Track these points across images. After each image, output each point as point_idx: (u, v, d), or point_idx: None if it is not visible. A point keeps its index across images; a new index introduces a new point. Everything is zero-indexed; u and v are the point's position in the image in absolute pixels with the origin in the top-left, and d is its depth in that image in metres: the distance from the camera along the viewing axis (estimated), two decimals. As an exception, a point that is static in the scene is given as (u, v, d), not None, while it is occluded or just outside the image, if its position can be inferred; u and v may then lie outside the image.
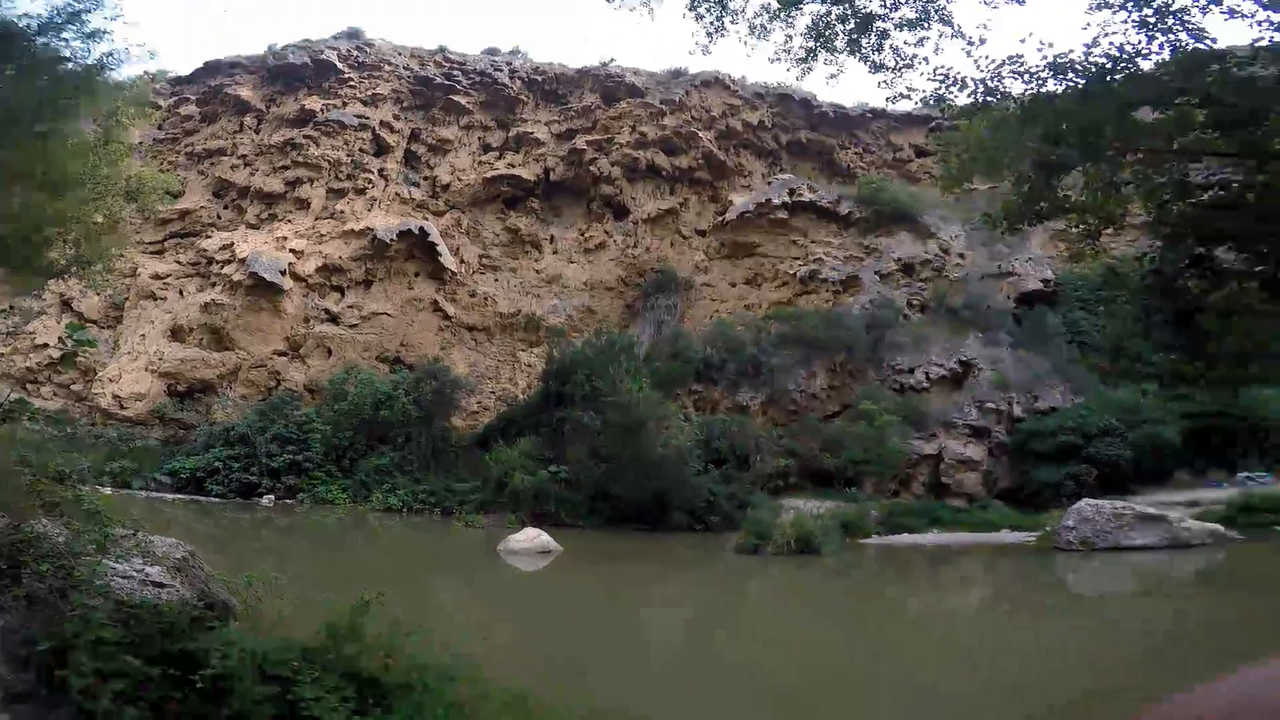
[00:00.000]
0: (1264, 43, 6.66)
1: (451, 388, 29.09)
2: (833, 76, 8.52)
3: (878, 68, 7.66)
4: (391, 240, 32.89)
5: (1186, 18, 6.43)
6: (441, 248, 33.79)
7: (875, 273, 30.99)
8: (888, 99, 8.54)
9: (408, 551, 19.02)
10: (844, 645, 9.17)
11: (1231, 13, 6.32)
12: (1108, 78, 6.83)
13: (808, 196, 32.55)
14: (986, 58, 7.17)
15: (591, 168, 35.39)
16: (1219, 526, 15.99)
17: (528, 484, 22.63)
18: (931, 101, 7.70)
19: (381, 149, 35.35)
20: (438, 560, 17.76)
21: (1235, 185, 7.22)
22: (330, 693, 3.98)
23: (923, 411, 26.69)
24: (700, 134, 35.28)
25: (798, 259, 32.29)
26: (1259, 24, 6.29)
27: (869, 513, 22.13)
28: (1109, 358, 25.37)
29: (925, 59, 7.49)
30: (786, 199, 32.31)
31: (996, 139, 7.78)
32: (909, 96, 7.90)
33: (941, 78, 7.26)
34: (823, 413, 28.14)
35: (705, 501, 22.62)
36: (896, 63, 7.53)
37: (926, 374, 28.07)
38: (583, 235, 36.50)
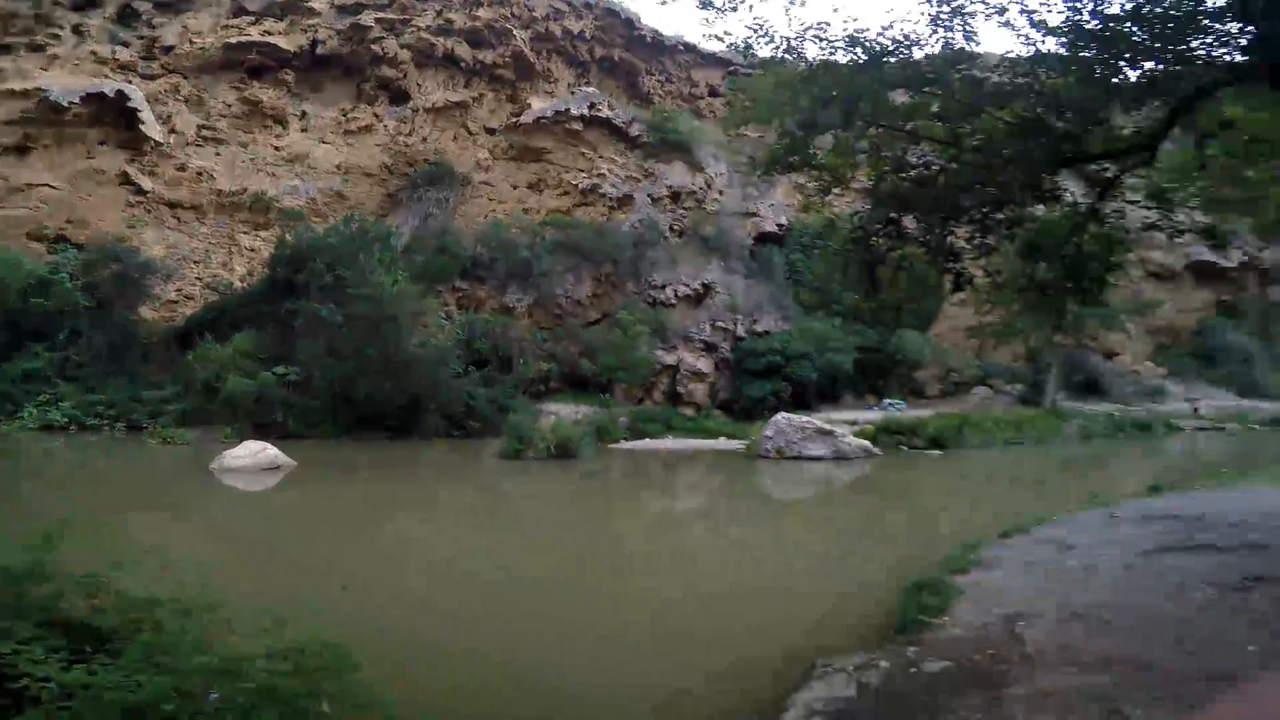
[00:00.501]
0: (1011, 54, 8.26)
1: (140, 271, 23.45)
2: (664, 2, 8.55)
3: (707, 4, 7.79)
4: (71, 104, 25.09)
5: (969, 20, 7.58)
6: (146, 114, 26.58)
7: (648, 195, 32.75)
8: (704, 35, 8.93)
9: (89, 478, 15.34)
10: (595, 549, 9.91)
11: (1008, 24, 7.54)
12: (885, 58, 7.84)
13: (605, 113, 32.60)
14: (800, 20, 7.83)
15: (375, 46, 30.41)
16: (868, 443, 19.74)
17: (246, 389, 19.37)
18: (740, 47, 8.16)
19: (88, 1, 26.95)
20: (132, 485, 14.49)
21: (933, 168, 8.69)
22: (28, 643, 3.29)
23: (668, 325, 29.44)
24: (516, 32, 32.40)
25: (583, 171, 32.38)
26: (1020, 38, 7.66)
27: (619, 418, 24.00)
28: (812, 293, 30.59)
29: (751, 5, 7.83)
30: (585, 111, 31.98)
31: (777, 94, 8.46)
32: (722, 39, 8.30)
33: (755, 28, 7.74)
34: (585, 319, 29.40)
35: (465, 405, 21.75)
36: (724, 3, 7.74)
37: (675, 291, 30.84)
38: (345, 116, 31.56)
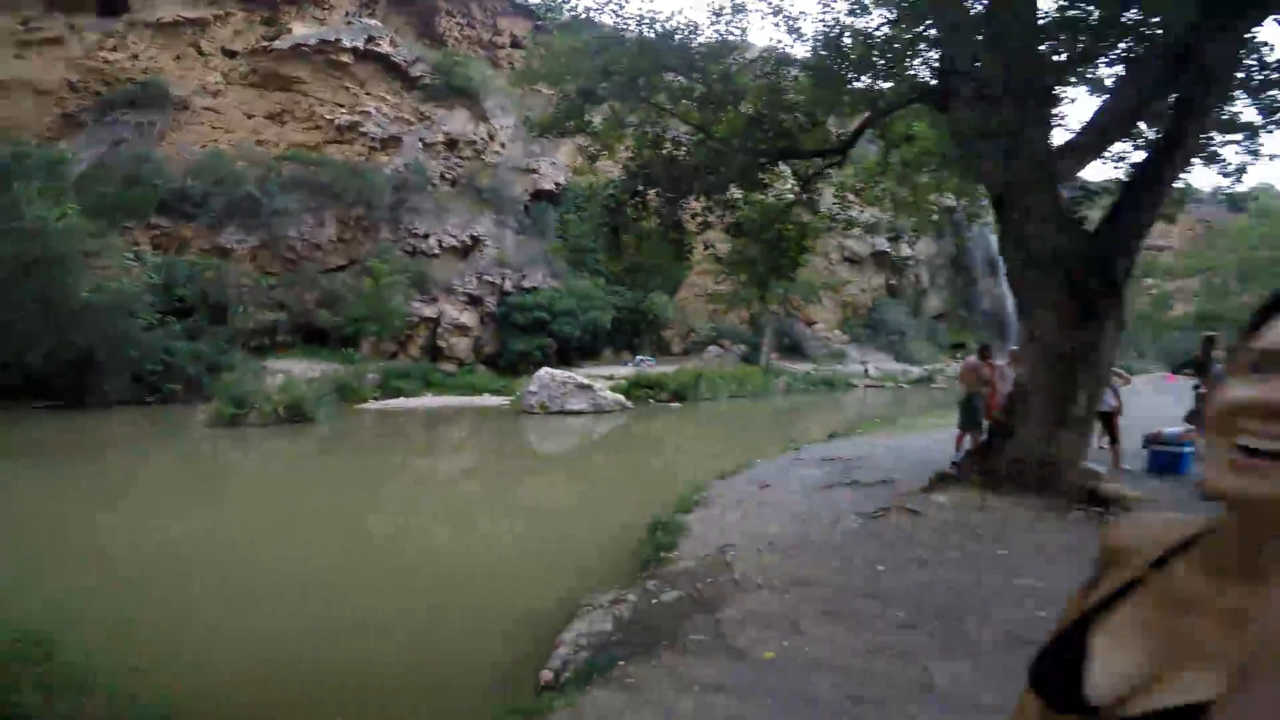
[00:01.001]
0: (780, 48, 9.29)
1: None
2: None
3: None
4: None
5: (744, 16, 8.54)
6: None
7: (420, 139, 30.18)
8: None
9: None
10: (345, 520, 9.14)
11: (778, 24, 8.50)
12: (669, 40, 8.38)
13: (385, 49, 28.80)
14: None
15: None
16: (622, 397, 21.16)
17: None
18: (547, 6, 8.34)
19: None
20: None
21: (682, 148, 9.56)
22: None
23: (429, 276, 27.96)
24: (285, -55, 26.61)
25: (342, 107, 28.43)
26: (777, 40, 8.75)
27: (366, 375, 22.17)
28: (571, 252, 31.59)
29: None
30: (359, 44, 27.90)
31: (569, 58, 8.69)
32: (534, -7, 8.36)
33: (562, -11, 7.86)
34: (325, 265, 26.37)
35: (160, 363, 18.29)
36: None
37: (440, 241, 29.30)
38: (24, 26, 23.49)
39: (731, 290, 31.54)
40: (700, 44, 8.84)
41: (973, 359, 9.37)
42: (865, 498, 7.41)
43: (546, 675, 4.00)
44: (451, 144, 31.63)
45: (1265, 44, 7.66)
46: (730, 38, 9.06)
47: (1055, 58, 6.92)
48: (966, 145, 7.18)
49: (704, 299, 37.31)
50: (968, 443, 8.87)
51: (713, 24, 8.73)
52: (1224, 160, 8.81)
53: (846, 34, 7.87)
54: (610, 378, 23.90)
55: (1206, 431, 0.63)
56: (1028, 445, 6.49)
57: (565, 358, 29.08)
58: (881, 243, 44.41)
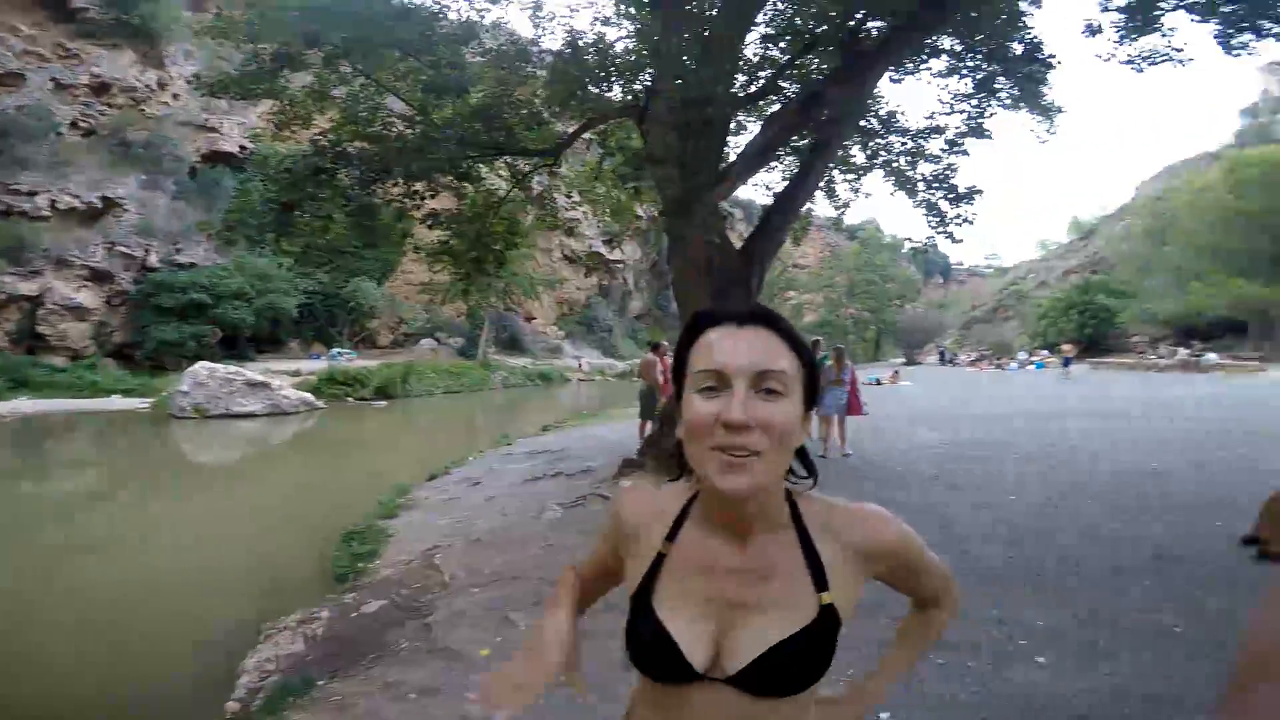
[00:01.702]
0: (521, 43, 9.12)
1: None
2: None
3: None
4: None
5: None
6: None
7: (54, 79, 23.09)
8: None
9: None
10: None
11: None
12: (408, 16, 7.90)
13: None
14: None
15: None
16: (310, 396, 18.45)
17: None
18: None
19: None
20: None
21: (393, 130, 8.96)
22: None
23: (29, 243, 21.15)
24: None
25: None
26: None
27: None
28: (223, 224, 26.99)
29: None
30: None
31: (271, 18, 7.74)
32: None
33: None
34: None
35: None
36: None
37: (53, 202, 22.37)
38: None
39: (450, 281, 30.41)
40: (442, 26, 8.26)
41: (650, 355, 10.08)
42: (568, 488, 7.53)
43: (232, 706, 3.59)
44: (101, 88, 24.66)
45: (880, 97, 9.90)
46: (476, 21, 8.68)
47: (736, 91, 8.00)
48: (652, 160, 7.83)
49: (418, 289, 35.26)
50: (649, 431, 9.57)
51: (458, 7, 8.31)
52: (837, 195, 11.18)
53: (589, 42, 8.11)
54: (296, 373, 21.00)
55: (688, 437, 0.80)
56: (690, 432, 7.40)
57: (236, 350, 24.63)
58: (598, 244, 47.16)
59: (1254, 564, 4.19)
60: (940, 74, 9.11)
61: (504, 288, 31.79)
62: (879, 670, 0.99)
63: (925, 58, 8.89)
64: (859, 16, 7.31)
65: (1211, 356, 27.02)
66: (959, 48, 8.76)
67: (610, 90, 8.66)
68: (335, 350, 29.19)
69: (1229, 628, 3.26)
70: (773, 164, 10.14)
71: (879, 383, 25.07)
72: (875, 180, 10.80)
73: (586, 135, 10.21)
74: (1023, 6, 7.95)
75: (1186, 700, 2.66)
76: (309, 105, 8.93)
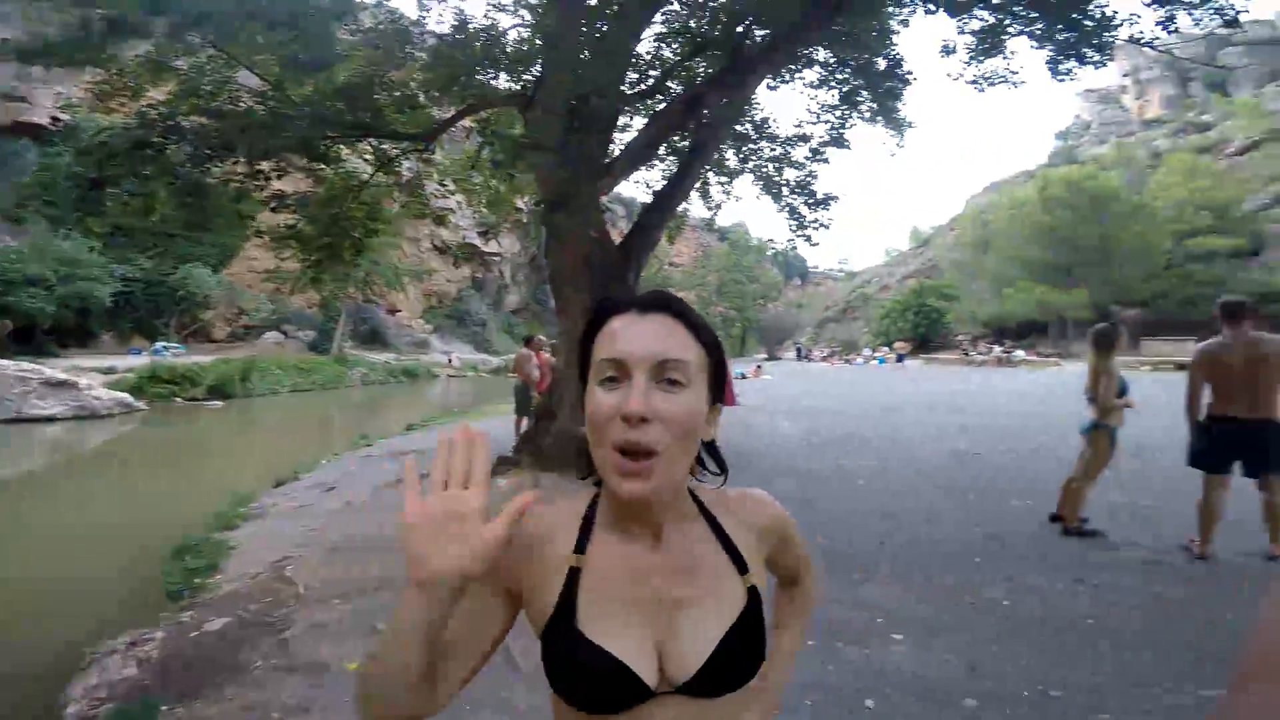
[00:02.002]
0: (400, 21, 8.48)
1: None
2: None
3: None
4: None
5: None
6: None
7: None
8: None
9: None
10: None
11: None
12: None
13: None
14: None
15: None
16: (128, 396, 16.10)
17: None
18: None
19: None
20: None
21: (242, 106, 8.18)
22: None
23: None
24: None
25: None
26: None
27: None
28: (14, 202, 23.20)
29: None
30: None
31: None
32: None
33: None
34: None
35: None
36: None
37: None
38: None
39: (300, 269, 27.93)
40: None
41: (525, 350, 9.87)
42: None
43: (60, 742, 3.13)
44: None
45: (757, 103, 10.33)
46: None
47: (626, 88, 8.01)
48: (534, 147, 7.63)
49: (262, 276, 31.99)
50: (524, 428, 9.39)
51: None
52: (711, 196, 11.56)
53: (480, 27, 7.80)
54: (110, 371, 18.28)
55: (590, 433, 0.75)
56: (565, 427, 7.29)
57: (32, 344, 21.06)
58: (472, 235, 45.43)
59: (1060, 539, 4.83)
60: (812, 85, 9.72)
61: (364, 277, 29.72)
62: (776, 652, 0.97)
63: (800, 68, 9.41)
64: (747, 23, 7.56)
65: (1019, 353, 31.26)
66: (832, 60, 9.36)
67: (497, 78, 8.35)
68: (160, 344, 25.72)
69: (1046, 602, 3.72)
70: (654, 162, 10.28)
71: (744, 377, 26.41)
72: (745, 184, 11.33)
73: (466, 122, 9.77)
74: (892, 25, 8.65)
75: (1023, 673, 2.96)
76: (143, 76, 7.94)
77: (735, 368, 30.62)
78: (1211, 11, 6.69)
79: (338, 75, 8.27)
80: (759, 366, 29.85)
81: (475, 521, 0.67)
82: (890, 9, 8.05)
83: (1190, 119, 55.45)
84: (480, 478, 0.69)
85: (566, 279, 7.41)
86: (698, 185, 10.96)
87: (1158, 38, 7.17)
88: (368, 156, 9.90)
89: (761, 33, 7.90)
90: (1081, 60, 7.66)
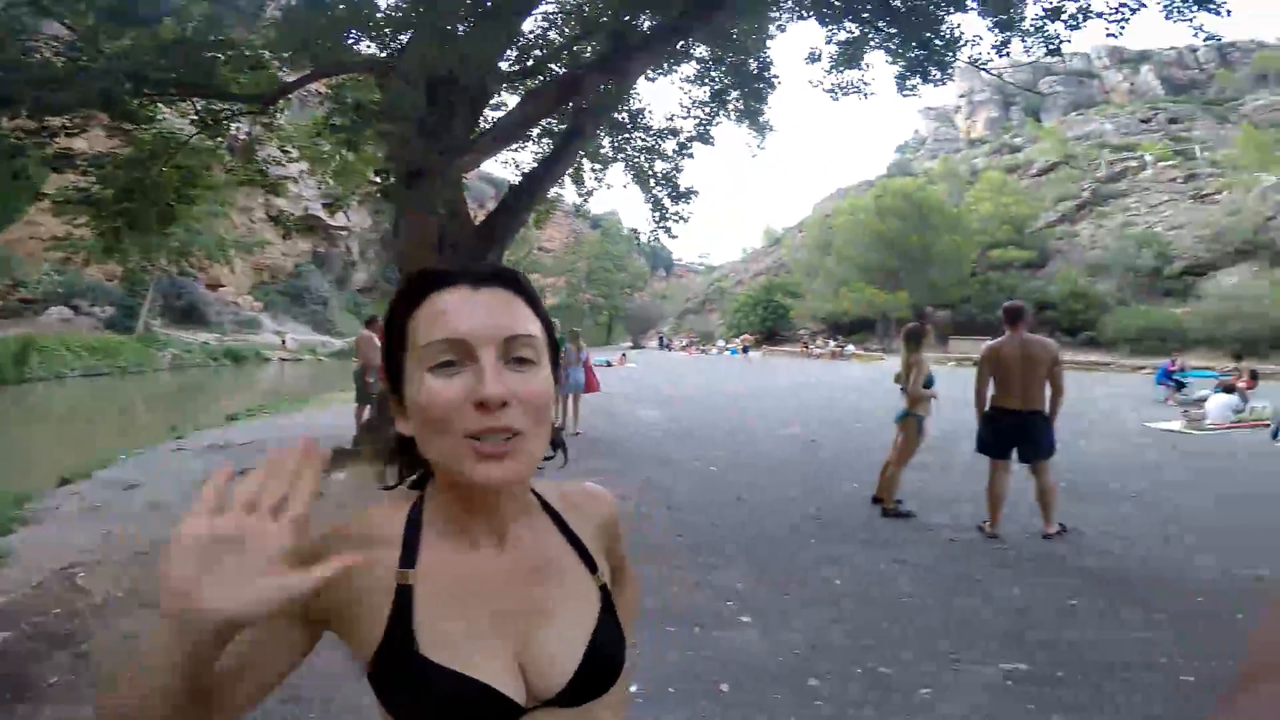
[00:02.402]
0: None
1: None
2: None
3: None
4: None
5: None
6: None
7: None
8: None
9: None
10: None
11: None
12: None
13: None
14: None
15: None
16: None
17: None
18: None
19: None
20: None
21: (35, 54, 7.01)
22: None
23: None
24: None
25: None
26: None
27: None
28: None
29: None
30: None
31: None
32: None
33: None
34: None
35: None
36: None
37: None
38: None
39: (94, 237, 23.85)
40: None
41: (365, 332, 9.20)
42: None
43: None
44: None
45: (636, 94, 10.31)
46: None
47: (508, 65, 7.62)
48: (390, 117, 7.06)
49: (48, 244, 26.83)
50: (366, 416, 8.68)
51: None
52: (584, 182, 11.45)
53: None
54: None
55: (428, 427, 0.65)
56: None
57: None
58: (316, 207, 41.47)
59: (882, 520, 5.35)
60: (688, 79, 9.88)
61: (179, 248, 26.08)
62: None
63: (679, 61, 9.52)
64: (634, 9, 7.48)
65: (851, 348, 34.45)
66: (708, 57, 9.57)
67: (359, 43, 7.58)
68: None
69: (873, 581, 4.10)
70: (524, 143, 9.98)
71: (609, 364, 26.71)
72: (616, 172, 11.35)
73: (314, 86, 8.83)
74: (771, 29, 8.99)
75: (856, 651, 3.21)
76: None
77: (600, 355, 30.91)
78: (1041, 40, 7.68)
79: (165, 30, 7.12)
80: (623, 355, 30.34)
81: (266, 560, 0.52)
82: (772, 13, 8.35)
83: (1006, 140, 63.72)
84: (298, 511, 0.55)
85: (416, 259, 6.97)
86: (571, 170, 10.83)
87: (991, 61, 8.14)
88: (192, 116, 8.65)
89: (649, 21, 7.91)
90: (925, 78, 8.50)
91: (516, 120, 7.85)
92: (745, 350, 32.85)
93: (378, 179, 8.46)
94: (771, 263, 57.12)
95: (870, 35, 8.41)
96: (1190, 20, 6.70)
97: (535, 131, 9.74)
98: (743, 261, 70.42)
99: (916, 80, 8.50)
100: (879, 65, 11.69)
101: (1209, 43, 7.45)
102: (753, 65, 9.34)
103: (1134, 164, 44.73)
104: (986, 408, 4.86)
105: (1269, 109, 53.91)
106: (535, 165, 9.07)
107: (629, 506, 5.63)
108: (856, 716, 2.62)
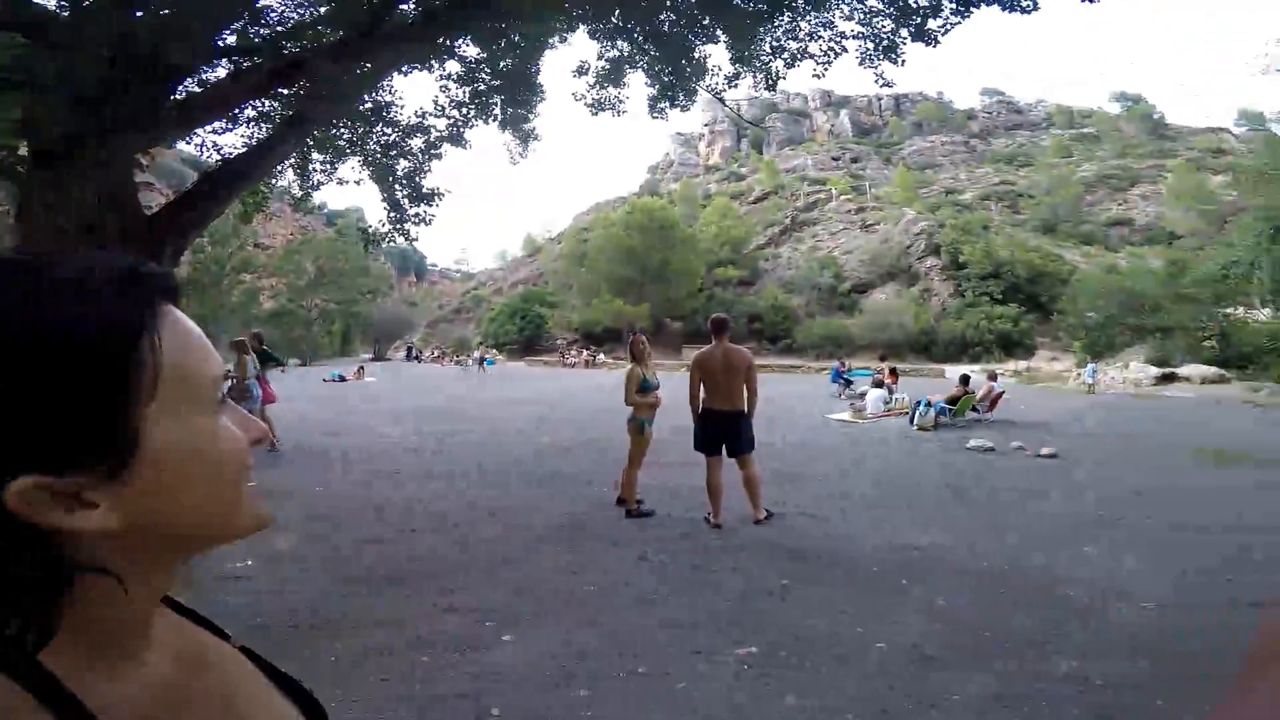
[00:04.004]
0: None
1: None
2: None
3: None
4: None
5: None
6: None
7: None
8: None
9: None
10: None
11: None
12: None
13: None
14: None
15: None
16: None
17: None
18: None
19: None
20: None
21: None
22: None
23: None
24: None
25: None
26: None
27: None
28: None
29: None
30: None
31: None
32: None
33: None
34: None
35: None
36: None
37: None
38: None
39: None
40: None
41: None
42: None
43: None
44: None
45: (390, 85, 9.51)
46: None
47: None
48: (31, 82, 5.46)
49: None
50: None
51: None
52: (310, 175, 10.20)
53: None
54: None
55: (222, 481, 0.47)
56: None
57: None
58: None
59: (627, 520, 5.63)
60: (451, 78, 9.34)
61: None
62: None
63: (444, 59, 8.91)
64: None
65: (602, 357, 36.21)
66: (478, 58, 9.12)
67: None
68: None
69: (621, 580, 4.28)
70: (231, 125, 8.53)
71: (343, 379, 24.32)
72: (355, 166, 10.27)
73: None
74: (550, 40, 8.82)
75: (616, 652, 3.32)
76: None
77: (332, 369, 27.85)
78: (762, 75, 8.79)
79: None
80: (361, 368, 27.77)
81: None
82: (551, 22, 8.19)
83: (735, 169, 72.56)
84: None
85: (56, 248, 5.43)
86: (295, 160, 9.58)
87: (725, 90, 9.11)
88: None
89: (411, 10, 7.28)
90: (673, 102, 9.20)
91: (212, 99, 6.67)
92: (488, 363, 32.49)
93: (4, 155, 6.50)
94: (531, 272, 57.41)
95: (637, 55, 8.90)
96: (877, 68, 8.27)
97: (251, 115, 8.46)
98: (502, 269, 69.65)
99: (665, 104, 9.23)
100: (637, 85, 12.43)
101: (885, 89, 9.10)
102: (524, 73, 9.25)
103: (824, 196, 54.39)
104: (700, 410, 5.44)
105: (919, 153, 70.18)
106: (243, 150, 7.84)
107: (358, 533, 5.12)
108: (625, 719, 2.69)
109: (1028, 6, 7.15)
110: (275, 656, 0.57)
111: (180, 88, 6.70)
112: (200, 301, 40.23)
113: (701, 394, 5.44)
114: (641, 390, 5.68)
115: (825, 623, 3.60)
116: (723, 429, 5.38)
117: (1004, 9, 7.13)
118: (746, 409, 5.39)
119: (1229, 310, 22.10)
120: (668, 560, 4.64)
